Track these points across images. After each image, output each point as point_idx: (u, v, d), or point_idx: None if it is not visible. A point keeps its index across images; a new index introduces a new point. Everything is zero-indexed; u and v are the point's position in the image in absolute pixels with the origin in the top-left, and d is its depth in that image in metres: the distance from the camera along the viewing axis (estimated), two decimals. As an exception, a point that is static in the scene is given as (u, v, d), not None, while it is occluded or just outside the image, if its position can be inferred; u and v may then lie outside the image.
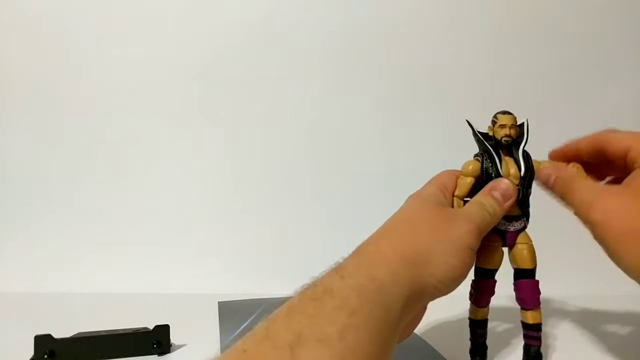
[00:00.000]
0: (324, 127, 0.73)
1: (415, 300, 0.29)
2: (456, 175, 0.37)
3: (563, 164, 0.38)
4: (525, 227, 0.37)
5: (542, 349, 0.37)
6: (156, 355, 0.44)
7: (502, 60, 0.73)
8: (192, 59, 0.71)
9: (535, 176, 0.37)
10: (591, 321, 0.53)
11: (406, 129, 0.72)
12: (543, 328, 0.37)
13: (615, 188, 0.34)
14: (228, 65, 0.72)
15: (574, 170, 0.37)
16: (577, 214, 0.33)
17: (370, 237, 0.32)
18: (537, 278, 0.37)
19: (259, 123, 0.72)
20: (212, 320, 0.50)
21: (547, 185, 0.36)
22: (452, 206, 0.36)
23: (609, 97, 0.71)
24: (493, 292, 0.38)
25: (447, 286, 0.31)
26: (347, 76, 0.73)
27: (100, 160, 0.71)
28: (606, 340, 0.48)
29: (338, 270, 0.28)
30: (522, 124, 0.37)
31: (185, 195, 0.72)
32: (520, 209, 0.37)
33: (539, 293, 0.37)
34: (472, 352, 0.39)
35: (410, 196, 0.35)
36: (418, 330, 0.44)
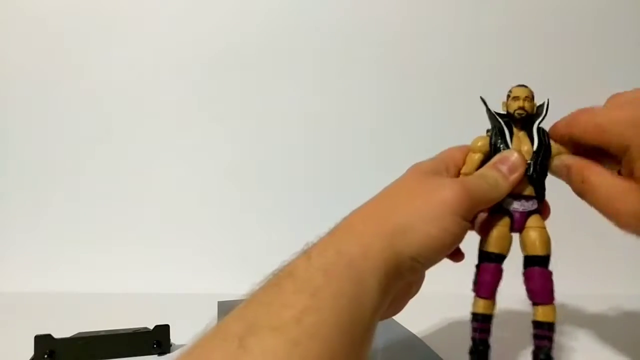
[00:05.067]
0: (324, 127, 0.73)
1: (395, 276, 0.26)
2: (464, 150, 0.34)
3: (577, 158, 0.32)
4: (537, 210, 0.33)
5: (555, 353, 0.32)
6: (156, 355, 0.44)
7: (502, 59, 0.73)
8: (192, 59, 0.71)
9: (550, 166, 0.33)
10: (601, 322, 0.53)
11: (407, 129, 0.72)
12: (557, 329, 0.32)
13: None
14: (228, 66, 0.72)
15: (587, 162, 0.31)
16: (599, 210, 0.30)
17: (349, 213, 0.29)
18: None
19: (260, 123, 0.72)
20: (212, 320, 0.50)
21: (562, 177, 0.33)
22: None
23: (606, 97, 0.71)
24: (498, 282, 0.33)
25: (426, 258, 0.28)
26: (347, 75, 0.73)
27: (100, 160, 0.71)
28: (617, 342, 0.48)
29: (307, 250, 0.27)
30: (542, 104, 0.34)
31: (185, 195, 0.72)
32: (534, 189, 0.32)
33: (552, 285, 0.32)
34: (472, 352, 0.34)
35: (409, 168, 0.32)
36: (417, 330, 0.44)
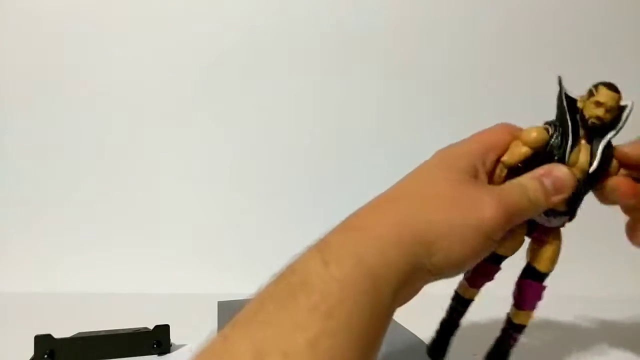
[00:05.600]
0: (324, 127, 0.73)
1: (407, 285, 0.25)
2: (514, 133, 0.29)
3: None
4: (563, 225, 0.30)
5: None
6: (156, 355, 0.44)
7: (504, 59, 0.73)
8: (191, 59, 0.71)
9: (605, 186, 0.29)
10: (601, 322, 0.53)
11: (407, 129, 0.72)
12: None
13: None
14: (227, 66, 0.72)
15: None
16: None
17: (365, 206, 0.27)
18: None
19: (260, 123, 0.72)
20: (212, 320, 0.50)
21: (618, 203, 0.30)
22: (494, 172, 0.29)
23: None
24: (492, 279, 0.32)
25: (444, 275, 0.26)
26: (347, 75, 0.73)
27: (100, 160, 0.71)
28: (617, 342, 0.48)
29: (320, 249, 0.24)
30: (623, 108, 0.28)
31: (185, 195, 0.72)
32: (568, 206, 0.29)
33: (541, 300, 0.32)
34: (443, 325, 0.34)
35: (439, 151, 0.29)
36: (416, 331, 0.44)
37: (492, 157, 0.28)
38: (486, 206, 0.25)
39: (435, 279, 0.26)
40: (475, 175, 0.27)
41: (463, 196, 0.26)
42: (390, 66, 0.73)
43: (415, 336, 0.44)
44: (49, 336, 0.41)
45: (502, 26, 0.73)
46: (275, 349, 0.20)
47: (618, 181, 0.29)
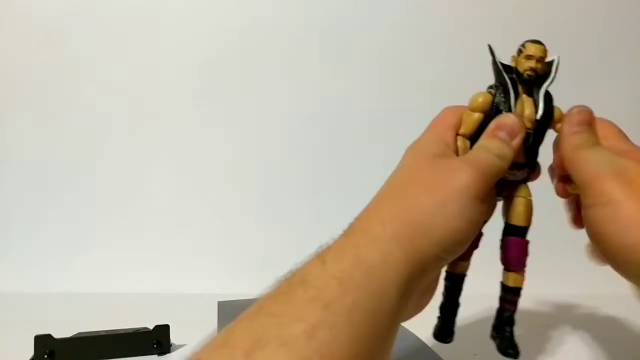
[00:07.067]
0: (323, 126, 0.73)
1: (419, 277, 0.25)
2: (461, 112, 0.31)
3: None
4: (527, 178, 0.32)
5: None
6: (156, 355, 0.44)
7: (504, 59, 0.73)
8: (192, 59, 0.71)
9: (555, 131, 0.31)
10: (589, 322, 0.53)
11: (407, 129, 0.72)
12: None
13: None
14: (228, 66, 0.72)
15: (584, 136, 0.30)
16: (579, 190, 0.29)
17: (361, 212, 0.28)
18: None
19: (258, 123, 0.72)
20: (212, 320, 0.50)
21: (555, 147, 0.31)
22: (457, 147, 0.30)
23: (609, 96, 0.71)
24: (477, 246, 0.32)
25: (452, 253, 0.27)
26: (347, 75, 0.73)
27: (99, 160, 0.71)
28: (603, 342, 0.48)
29: (321, 254, 0.25)
30: (552, 62, 0.31)
31: (185, 195, 0.72)
32: (526, 157, 0.30)
33: (527, 255, 0.32)
34: (443, 308, 0.34)
35: (408, 149, 0.31)
36: (416, 331, 0.44)
37: (451, 135, 0.30)
38: (461, 173, 0.27)
39: (448, 261, 0.27)
40: (445, 156, 0.29)
41: (439, 173, 0.27)
42: (389, 66, 0.73)
43: (415, 336, 0.44)
44: (49, 336, 0.41)
45: (501, 25, 0.73)
46: (273, 337, 0.20)
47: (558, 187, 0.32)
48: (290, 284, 0.23)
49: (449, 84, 0.72)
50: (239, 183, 0.72)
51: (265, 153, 0.72)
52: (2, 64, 0.70)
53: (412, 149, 0.31)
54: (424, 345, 0.44)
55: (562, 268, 0.57)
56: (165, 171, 0.72)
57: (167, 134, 0.72)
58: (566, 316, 0.55)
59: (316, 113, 0.73)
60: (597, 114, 0.32)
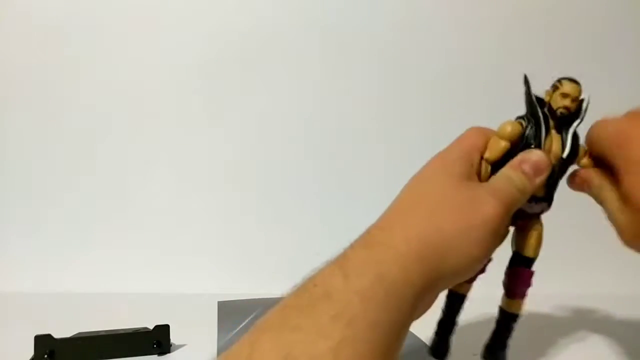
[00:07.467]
0: (323, 126, 0.73)
1: (428, 294, 0.26)
2: (487, 134, 0.32)
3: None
4: (543, 212, 0.33)
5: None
6: (156, 355, 0.44)
7: (504, 58, 0.73)
8: (192, 59, 0.71)
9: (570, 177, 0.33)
10: (589, 322, 0.53)
11: (408, 129, 0.72)
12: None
13: None
14: (228, 65, 0.72)
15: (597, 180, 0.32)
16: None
17: (382, 220, 0.28)
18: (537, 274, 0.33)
19: (258, 123, 0.72)
20: (212, 320, 0.50)
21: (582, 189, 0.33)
22: (480, 171, 0.31)
23: (610, 96, 0.71)
24: (484, 271, 0.33)
25: (464, 277, 0.28)
26: (347, 75, 0.73)
27: (99, 160, 0.71)
28: (603, 342, 0.48)
29: (342, 265, 0.25)
30: (581, 100, 0.32)
31: (185, 195, 0.72)
32: (545, 191, 0.32)
33: (531, 285, 0.33)
34: (441, 324, 0.35)
35: (433, 160, 0.31)
36: (417, 331, 0.44)
37: (476, 158, 0.31)
38: (487, 204, 0.27)
39: (454, 283, 0.28)
40: (469, 177, 0.30)
41: (465, 199, 0.28)
42: (389, 66, 0.73)
43: (416, 336, 0.44)
44: (49, 336, 0.41)
45: (500, 25, 0.73)
46: (302, 353, 0.21)
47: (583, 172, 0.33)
48: (314, 297, 0.24)
49: (449, 84, 0.72)
50: (239, 183, 0.72)
51: (265, 153, 0.72)
52: (2, 64, 0.70)
53: (438, 162, 0.31)
54: (424, 345, 0.44)
55: (562, 268, 0.57)
56: (165, 171, 0.72)
57: (167, 134, 0.72)
58: (566, 316, 0.55)
59: (316, 113, 0.73)
60: (597, 114, 0.33)
